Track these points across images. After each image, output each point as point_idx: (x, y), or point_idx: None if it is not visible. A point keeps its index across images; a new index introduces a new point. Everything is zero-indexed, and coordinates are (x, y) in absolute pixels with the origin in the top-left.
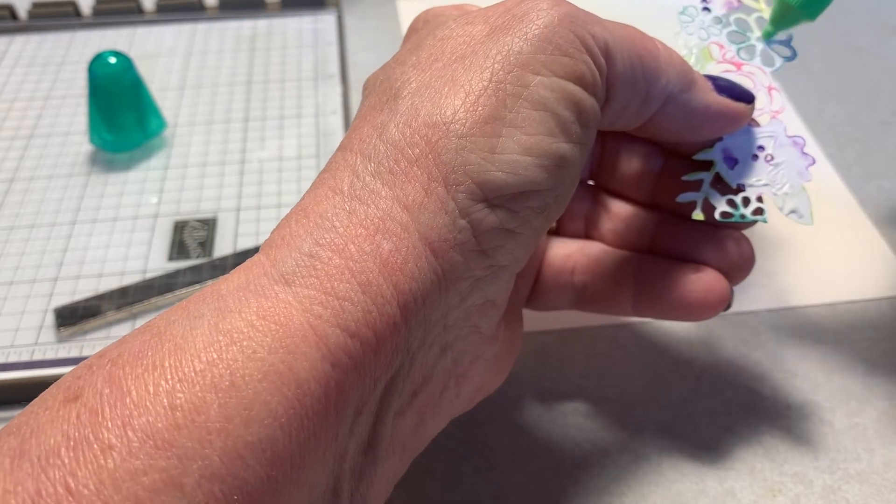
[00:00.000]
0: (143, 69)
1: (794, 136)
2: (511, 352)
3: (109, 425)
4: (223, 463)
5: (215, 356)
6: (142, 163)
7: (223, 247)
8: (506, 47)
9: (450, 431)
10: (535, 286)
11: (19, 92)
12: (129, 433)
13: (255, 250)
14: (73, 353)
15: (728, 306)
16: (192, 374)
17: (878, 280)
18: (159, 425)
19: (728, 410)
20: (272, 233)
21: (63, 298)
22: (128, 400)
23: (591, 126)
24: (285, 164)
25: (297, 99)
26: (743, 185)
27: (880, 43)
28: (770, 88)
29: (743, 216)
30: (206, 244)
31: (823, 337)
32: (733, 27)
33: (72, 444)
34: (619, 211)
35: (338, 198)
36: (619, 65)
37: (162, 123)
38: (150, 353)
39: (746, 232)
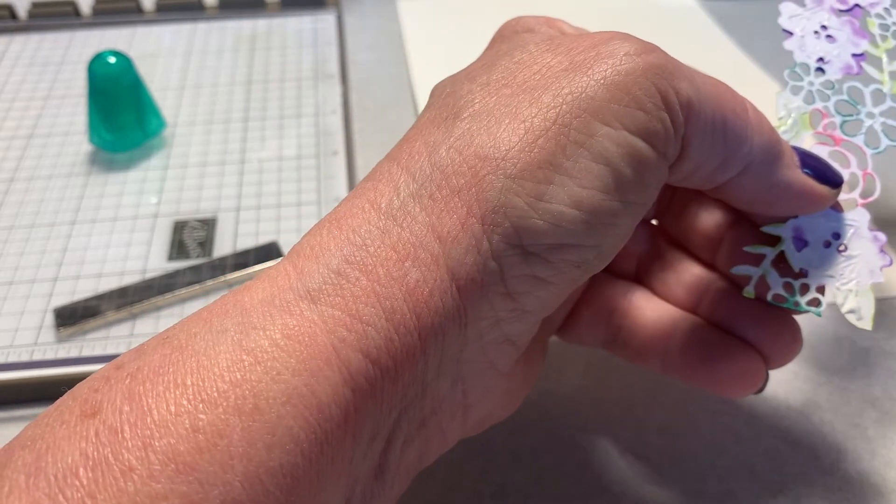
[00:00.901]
0: (143, 69)
1: (876, 232)
2: (526, 384)
3: (130, 446)
4: (244, 489)
5: (239, 376)
6: (141, 163)
7: (223, 247)
8: (579, 88)
9: None
10: (569, 317)
11: (19, 92)
12: (151, 455)
13: (255, 250)
14: (73, 353)
15: (761, 390)
16: (216, 395)
17: None
18: (181, 448)
19: (728, 410)
20: (303, 238)
21: (63, 298)
22: (149, 419)
23: (653, 186)
24: (285, 163)
25: (296, 99)
26: (806, 271)
27: None
28: (866, 173)
29: (797, 304)
30: (206, 244)
31: (823, 337)
32: (844, 96)
33: (90, 463)
34: (673, 262)
35: (374, 213)
36: (700, 125)
37: (161, 123)
38: (171, 370)
39: None
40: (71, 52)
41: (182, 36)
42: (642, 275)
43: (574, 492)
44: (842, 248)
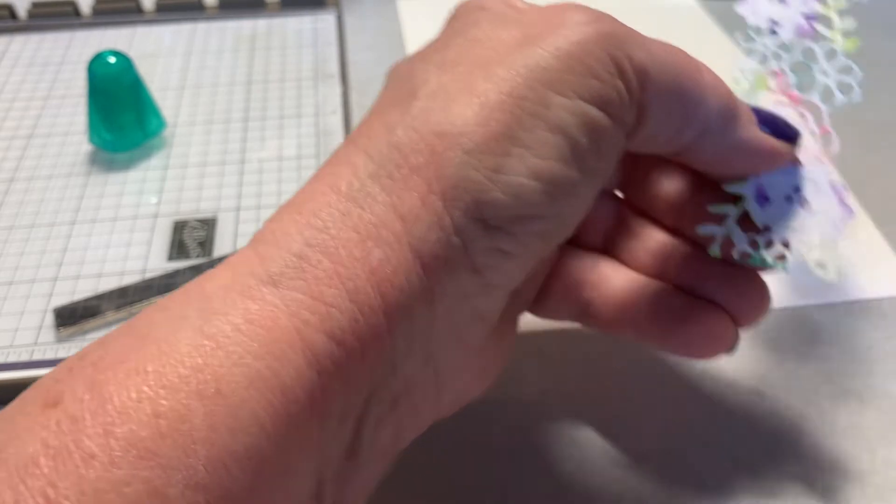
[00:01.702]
0: (143, 69)
1: (836, 185)
2: (499, 361)
3: (91, 433)
4: (208, 472)
5: (200, 361)
6: (141, 163)
7: (223, 247)
8: (533, 60)
9: (450, 431)
10: (540, 293)
11: (19, 92)
12: (112, 442)
13: None
14: (73, 353)
15: (732, 350)
16: (177, 381)
17: (878, 280)
18: (143, 434)
19: (728, 410)
20: (264, 224)
21: (62, 298)
22: (109, 407)
23: (612, 153)
24: (285, 163)
25: (296, 99)
26: (770, 227)
27: (879, 43)
28: (823, 129)
29: (763, 260)
30: (206, 244)
31: (823, 337)
32: (798, 56)
33: (51, 452)
34: (639, 231)
35: (334, 196)
36: (656, 91)
37: (161, 123)
38: (132, 357)
39: None
40: (71, 52)
41: (182, 36)
42: (609, 246)
43: (574, 492)
44: (804, 202)
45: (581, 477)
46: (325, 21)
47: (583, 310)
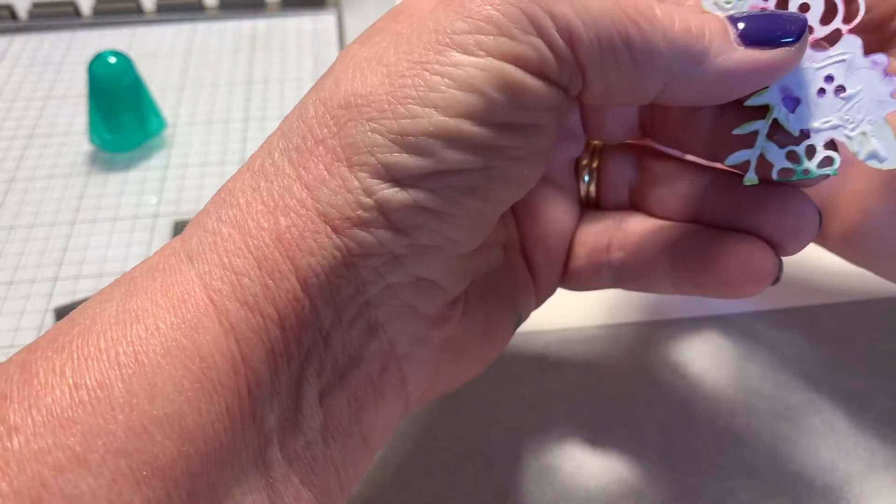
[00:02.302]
0: (143, 69)
1: (873, 56)
2: (487, 342)
3: (17, 407)
4: (128, 438)
5: (119, 334)
6: (142, 163)
7: None
8: (442, 24)
9: (450, 431)
10: (568, 265)
11: (19, 92)
12: (34, 413)
13: None
14: None
15: (777, 280)
16: (97, 353)
17: (878, 280)
18: (63, 404)
19: (728, 410)
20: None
21: (63, 298)
22: (35, 381)
23: (542, 109)
24: None
25: (296, 99)
26: (808, 131)
27: None
28: None
29: (807, 171)
30: None
31: (823, 337)
32: None
33: None
34: (666, 177)
35: (248, 174)
36: (592, 47)
37: (162, 123)
38: (60, 338)
39: None
40: (71, 52)
41: (182, 36)
42: (636, 200)
43: (574, 492)
44: (839, 89)
45: (581, 477)
46: (325, 21)
47: (617, 272)
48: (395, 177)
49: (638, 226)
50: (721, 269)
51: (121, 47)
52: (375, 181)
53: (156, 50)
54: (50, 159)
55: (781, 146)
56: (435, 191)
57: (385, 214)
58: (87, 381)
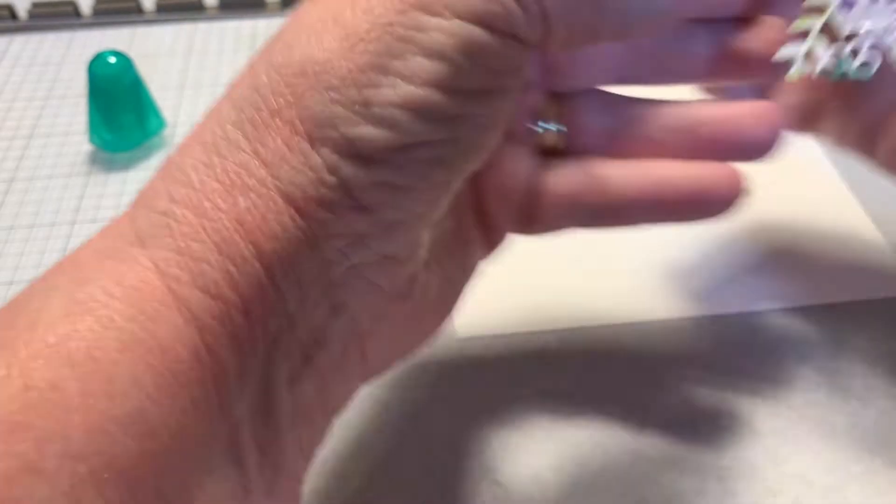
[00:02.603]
0: (143, 69)
1: None
2: (443, 305)
3: None
4: (86, 440)
5: (70, 329)
6: (142, 163)
7: None
8: None
9: (449, 432)
10: (533, 212)
11: (19, 92)
12: None
13: None
14: None
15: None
16: (46, 350)
17: (878, 280)
18: (13, 408)
19: (728, 410)
20: (140, 191)
21: None
22: None
23: (509, 68)
24: None
25: None
26: (856, 34)
27: None
28: None
29: (844, 74)
30: None
31: (823, 337)
32: None
33: None
34: (639, 117)
35: (198, 148)
36: None
37: (161, 123)
38: (3, 332)
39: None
40: (71, 52)
41: (182, 36)
42: (613, 145)
43: (575, 491)
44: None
45: (581, 476)
46: None
47: (592, 214)
48: (359, 152)
49: (615, 167)
50: (699, 192)
51: (121, 47)
52: (338, 158)
53: (156, 50)
54: (50, 159)
55: (829, 45)
56: (401, 166)
57: (349, 193)
58: (38, 383)
